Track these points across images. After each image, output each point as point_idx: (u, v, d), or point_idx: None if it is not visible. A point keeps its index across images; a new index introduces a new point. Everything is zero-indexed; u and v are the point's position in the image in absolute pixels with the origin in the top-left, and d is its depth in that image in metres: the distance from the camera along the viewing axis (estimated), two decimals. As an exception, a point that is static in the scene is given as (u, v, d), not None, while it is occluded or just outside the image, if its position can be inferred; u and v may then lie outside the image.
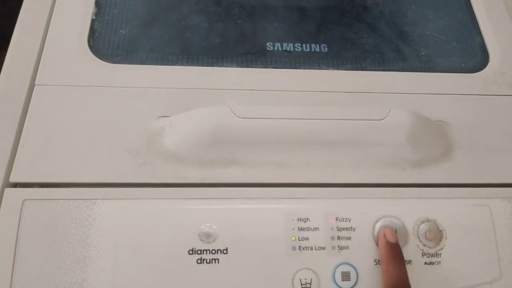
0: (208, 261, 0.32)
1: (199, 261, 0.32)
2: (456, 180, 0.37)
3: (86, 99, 0.38)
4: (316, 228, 0.34)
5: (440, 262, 0.34)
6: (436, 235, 0.34)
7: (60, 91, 0.38)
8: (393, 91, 0.41)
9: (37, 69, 0.38)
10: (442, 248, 0.34)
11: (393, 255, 0.32)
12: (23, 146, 0.35)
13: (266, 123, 0.35)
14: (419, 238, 0.34)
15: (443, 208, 0.35)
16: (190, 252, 0.32)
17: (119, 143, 0.36)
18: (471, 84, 0.42)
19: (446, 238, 0.34)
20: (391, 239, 0.32)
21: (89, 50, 0.40)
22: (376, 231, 0.34)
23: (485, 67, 0.43)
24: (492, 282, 0.34)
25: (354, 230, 0.34)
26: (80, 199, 0.33)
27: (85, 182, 0.34)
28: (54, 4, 0.42)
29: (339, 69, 0.42)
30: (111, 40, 0.41)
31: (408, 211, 0.35)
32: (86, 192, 0.34)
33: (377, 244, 0.33)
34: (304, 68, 0.41)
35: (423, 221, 0.35)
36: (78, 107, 0.37)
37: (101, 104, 0.37)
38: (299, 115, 0.36)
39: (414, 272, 0.33)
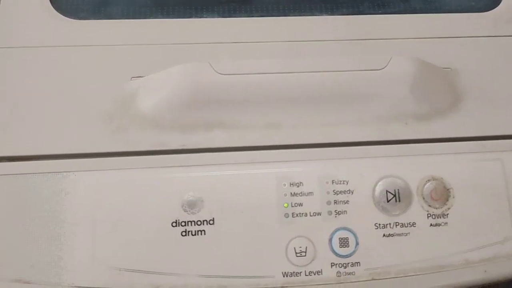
0: (193, 233, 0.30)
1: (183, 233, 0.30)
2: (465, 134, 0.33)
3: (50, 61, 0.34)
4: (310, 193, 0.31)
5: (447, 223, 0.31)
6: (442, 194, 0.31)
7: (21, 53, 0.34)
8: (394, 36, 0.36)
9: (-6, 31, 0.35)
10: (449, 208, 0.31)
11: None
12: (-17, 117, 0.32)
13: (252, 79, 0.32)
14: (423, 198, 0.31)
15: (450, 164, 0.32)
16: (174, 224, 0.30)
17: (89, 109, 0.32)
18: (481, 25, 0.37)
19: (453, 197, 0.31)
20: None
21: (51, 6, 0.36)
22: (376, 193, 0.31)
23: (498, 4, 0.38)
24: (504, 241, 0.31)
25: (352, 193, 0.31)
26: (50, 173, 0.30)
27: (54, 153, 0.31)
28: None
29: (333, 15, 0.37)
30: (75, -7, 0.37)
31: (411, 169, 0.32)
32: (56, 165, 0.31)
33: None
34: (293, 15, 0.37)
35: (428, 180, 0.32)
36: (42, 70, 0.33)
37: (68, 66, 0.34)
38: (289, 69, 0.32)
39: (419, 236, 0.31)
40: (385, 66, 0.32)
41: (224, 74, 0.31)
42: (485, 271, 0.31)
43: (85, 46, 0.35)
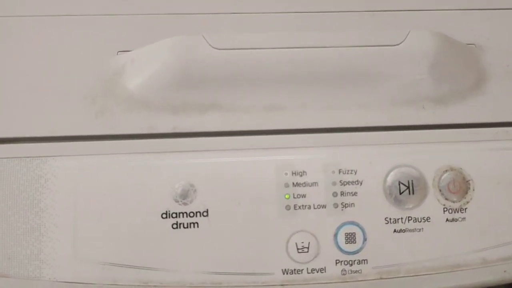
0: (185, 226, 0.27)
1: (174, 226, 0.27)
2: (487, 119, 0.30)
3: (26, 33, 0.31)
4: (314, 183, 0.28)
5: (465, 218, 0.28)
6: (461, 186, 0.28)
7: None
8: (413, 8, 0.33)
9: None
10: (468, 202, 0.28)
11: None
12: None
13: (250, 55, 0.29)
14: (440, 191, 0.28)
15: (470, 153, 0.29)
16: (164, 215, 0.27)
17: (70, 87, 0.29)
18: (511, -4, 0.33)
19: (473, 190, 0.29)
20: None
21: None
22: (388, 184, 0.28)
23: (531, -28, 0.34)
24: (527, 239, 0.28)
25: (361, 184, 0.28)
26: (28, 157, 0.28)
27: (31, 136, 0.28)
28: None
29: (344, -18, 0.33)
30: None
31: (427, 158, 0.29)
32: (34, 148, 0.28)
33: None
34: (299, -17, 0.33)
35: (446, 170, 0.29)
36: (18, 44, 0.30)
37: (46, 39, 0.31)
38: (292, 43, 0.29)
39: (433, 232, 0.28)
40: (402, 42, 0.29)
41: (220, 49, 0.28)
42: (505, 271, 0.28)
43: (65, 16, 0.31)
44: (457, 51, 0.31)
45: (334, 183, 0.28)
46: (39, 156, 0.28)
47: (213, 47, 0.28)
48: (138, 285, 0.27)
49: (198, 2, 0.32)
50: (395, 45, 0.29)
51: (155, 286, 0.27)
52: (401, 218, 0.28)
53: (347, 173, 0.28)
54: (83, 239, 0.27)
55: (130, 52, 0.30)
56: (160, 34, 0.30)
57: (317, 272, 0.27)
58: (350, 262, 0.28)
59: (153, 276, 0.27)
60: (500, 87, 0.31)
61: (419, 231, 0.28)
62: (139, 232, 0.27)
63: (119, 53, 0.30)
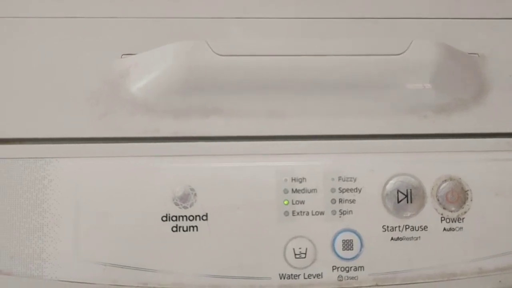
0: (185, 229, 0.28)
1: (174, 229, 0.28)
2: (489, 129, 0.30)
3: (31, 35, 0.31)
4: (313, 190, 0.28)
5: (462, 228, 0.28)
6: (459, 196, 0.29)
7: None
8: (416, 16, 0.32)
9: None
10: (465, 212, 0.29)
11: None
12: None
13: (253, 61, 0.29)
14: (438, 200, 0.28)
15: (470, 163, 0.29)
16: (164, 218, 0.28)
17: (74, 89, 0.30)
18: (516, 5, 0.33)
19: (471, 200, 0.29)
20: None
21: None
22: (386, 193, 0.28)
23: (536, -19, 0.34)
24: (524, 251, 0.28)
25: (359, 191, 0.28)
26: (32, 158, 0.28)
27: (35, 137, 0.29)
28: None
29: (346, -12, 0.33)
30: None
31: (427, 167, 0.29)
32: (38, 149, 0.28)
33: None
34: (303, -12, 0.33)
35: (445, 180, 0.29)
36: (23, 45, 0.30)
37: (51, 41, 0.31)
38: (295, 51, 0.29)
39: (430, 241, 0.28)
40: (405, 51, 0.29)
41: (223, 55, 0.28)
42: (500, 281, 0.28)
43: (70, 18, 0.31)
44: (460, 60, 0.31)
45: (333, 190, 0.28)
46: (43, 157, 0.28)
47: (216, 53, 0.28)
48: (138, 286, 0.27)
49: (203, 7, 0.32)
50: (397, 55, 0.29)
51: (154, 287, 0.27)
52: (399, 226, 0.28)
53: (347, 181, 0.28)
54: (84, 239, 0.27)
55: (134, 55, 0.30)
56: (164, 38, 0.30)
57: (314, 277, 0.28)
58: (347, 269, 0.28)
59: (152, 277, 0.27)
60: (503, 97, 0.31)
61: (416, 239, 0.28)
62: (139, 234, 0.28)
63: (123, 56, 0.30)
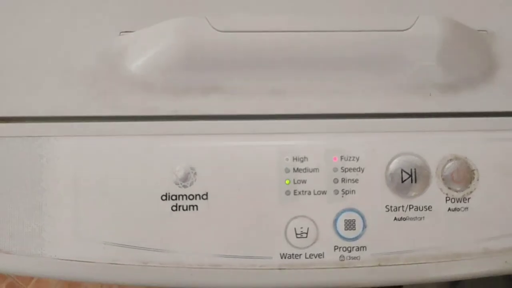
0: (184, 208, 0.27)
1: (174, 208, 0.27)
2: (496, 108, 0.29)
3: (28, 13, 0.30)
4: (315, 169, 0.28)
5: (467, 208, 0.28)
6: (465, 176, 0.28)
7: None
8: (422, -9, 0.31)
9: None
10: (471, 192, 0.28)
11: None
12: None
13: (254, 38, 0.28)
14: (443, 180, 0.28)
15: (476, 143, 0.28)
16: (164, 197, 0.27)
17: (72, 67, 0.29)
18: (527, -20, 0.32)
19: (477, 180, 0.28)
20: None
21: None
22: (390, 172, 0.28)
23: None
24: (530, 231, 0.28)
25: (362, 171, 0.28)
26: (30, 136, 0.28)
27: (33, 115, 0.28)
28: None
29: (353, -36, 0.32)
30: None
31: (432, 147, 0.28)
32: (35, 128, 0.28)
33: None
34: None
35: (451, 159, 0.28)
36: (17, 22, 0.30)
37: (48, 18, 0.30)
38: (297, 27, 0.28)
39: (434, 221, 0.27)
40: (411, 27, 0.28)
41: (223, 31, 0.27)
42: (506, 261, 0.28)
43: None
44: (468, 37, 0.30)
45: (335, 170, 0.28)
46: (41, 136, 0.28)
47: (216, 29, 0.27)
48: (138, 265, 0.27)
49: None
50: (403, 30, 0.28)
51: (154, 266, 0.27)
52: (402, 207, 0.28)
53: (349, 160, 0.28)
54: (84, 218, 0.27)
55: (132, 32, 0.30)
56: (163, 15, 0.29)
57: (315, 257, 0.27)
58: (349, 249, 0.27)
59: (152, 256, 0.27)
60: (511, 75, 0.30)
61: (420, 219, 0.28)
62: (139, 213, 0.27)
63: (121, 33, 0.30)
